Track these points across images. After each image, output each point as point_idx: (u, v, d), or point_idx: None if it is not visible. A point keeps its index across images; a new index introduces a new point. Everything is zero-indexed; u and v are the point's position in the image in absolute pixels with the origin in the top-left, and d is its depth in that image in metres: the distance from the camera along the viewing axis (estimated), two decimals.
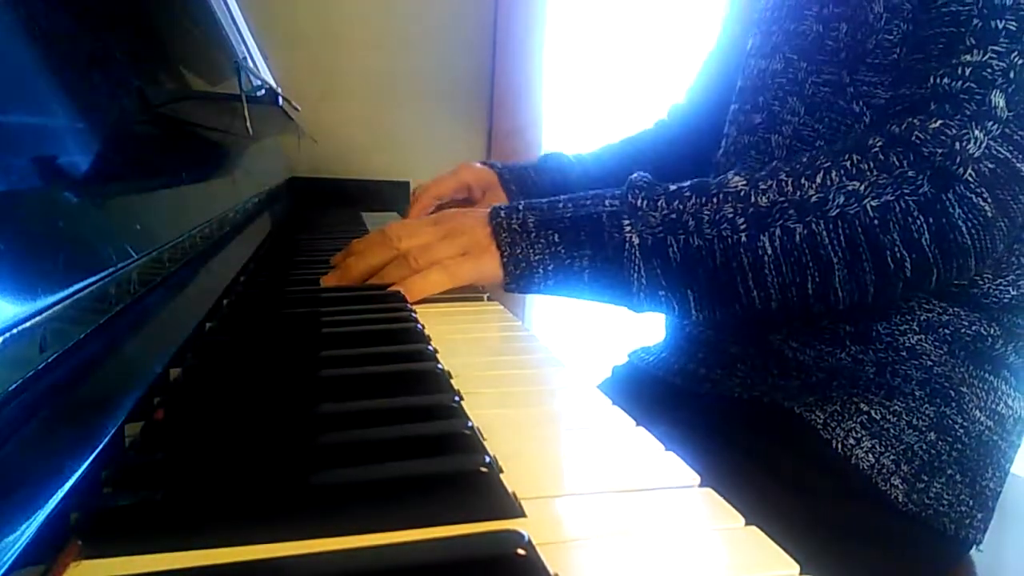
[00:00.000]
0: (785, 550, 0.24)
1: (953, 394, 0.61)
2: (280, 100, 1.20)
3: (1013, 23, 0.53)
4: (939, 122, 0.53)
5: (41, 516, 0.22)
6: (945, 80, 0.54)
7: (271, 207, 1.01)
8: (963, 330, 0.61)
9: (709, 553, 0.24)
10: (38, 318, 0.25)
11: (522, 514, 0.26)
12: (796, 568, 0.23)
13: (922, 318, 0.61)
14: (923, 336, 0.61)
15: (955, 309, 0.61)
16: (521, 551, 0.22)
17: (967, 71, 0.53)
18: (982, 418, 0.61)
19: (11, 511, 0.21)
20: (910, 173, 0.53)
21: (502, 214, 0.60)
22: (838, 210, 0.54)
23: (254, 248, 0.75)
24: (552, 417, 0.38)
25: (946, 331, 0.61)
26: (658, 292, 0.57)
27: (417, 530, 0.24)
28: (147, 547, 0.23)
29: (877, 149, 0.55)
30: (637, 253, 0.57)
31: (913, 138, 0.54)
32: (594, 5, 1.94)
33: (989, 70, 0.53)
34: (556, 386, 0.42)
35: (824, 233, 0.54)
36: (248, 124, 0.84)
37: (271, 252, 0.85)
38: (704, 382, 0.70)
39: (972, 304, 0.61)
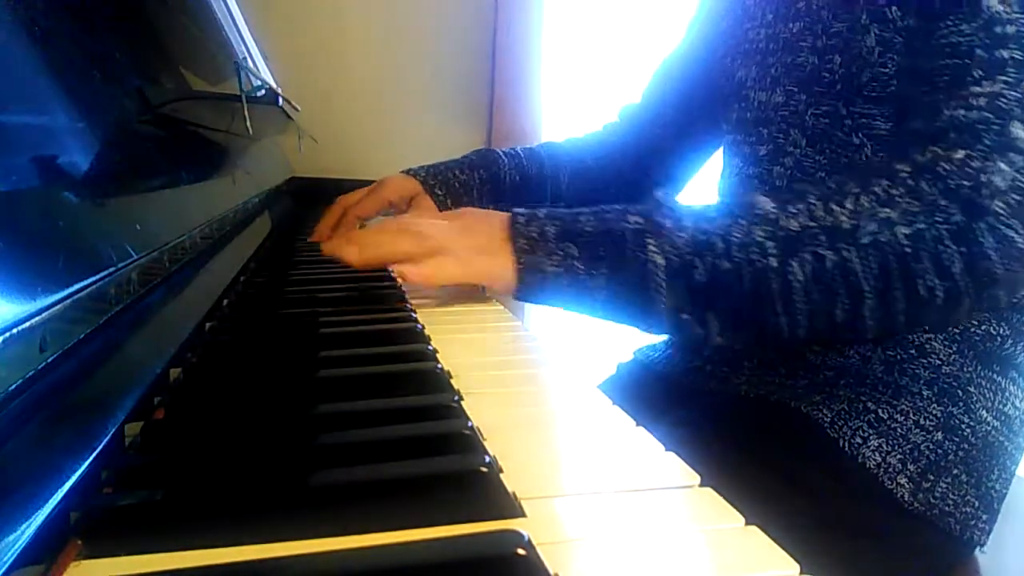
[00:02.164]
0: (788, 548, 0.24)
1: (960, 393, 0.61)
2: (280, 100, 1.20)
3: (1018, 52, 0.52)
4: (962, 153, 0.53)
5: (41, 516, 0.22)
6: (960, 112, 0.54)
7: (271, 207, 1.01)
8: (972, 329, 0.61)
9: (709, 553, 0.24)
10: (38, 318, 0.25)
11: (522, 514, 0.26)
12: (796, 568, 0.23)
13: None
14: (932, 335, 0.61)
15: None
16: (521, 551, 0.22)
17: (981, 101, 0.53)
18: (989, 418, 0.61)
19: (11, 511, 0.21)
20: (942, 202, 0.52)
21: (521, 220, 0.58)
22: (870, 237, 0.53)
23: (254, 248, 0.75)
24: (552, 417, 0.38)
25: (955, 330, 0.61)
26: (680, 315, 0.55)
27: (417, 530, 0.24)
28: (147, 547, 0.23)
29: (906, 175, 0.54)
30: (661, 274, 0.55)
31: (939, 168, 0.53)
32: (593, 7, 1.94)
33: (1004, 100, 0.52)
34: (556, 386, 0.42)
35: (856, 260, 0.53)
36: (248, 124, 0.84)
37: (271, 252, 0.85)
38: (710, 379, 0.71)
39: None
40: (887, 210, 0.53)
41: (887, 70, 0.60)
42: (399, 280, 0.58)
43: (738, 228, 0.55)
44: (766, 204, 0.56)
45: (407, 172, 0.88)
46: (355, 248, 0.59)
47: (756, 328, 0.56)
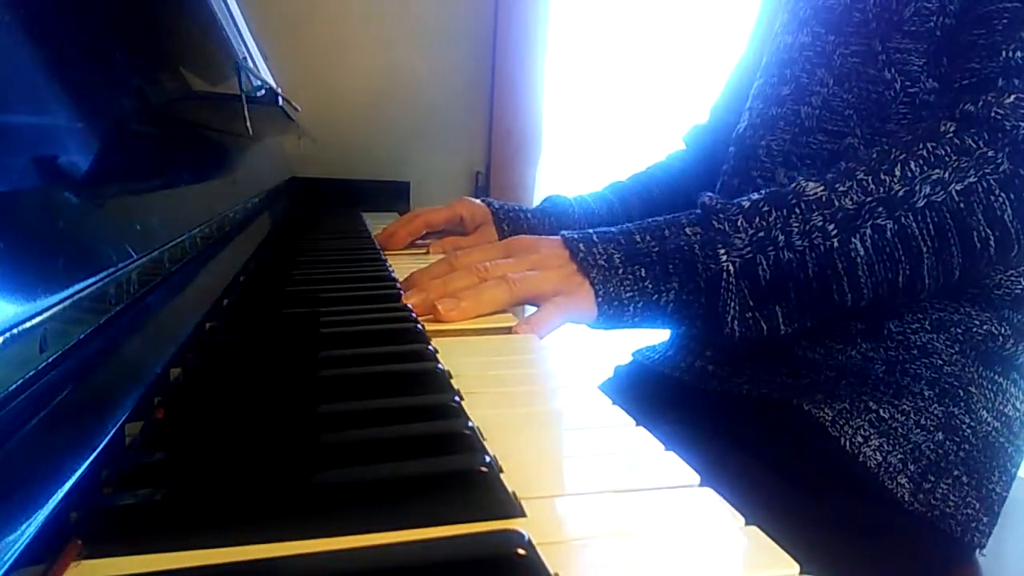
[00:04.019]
0: (789, 547, 0.24)
1: (962, 394, 0.61)
2: (280, 100, 1.20)
3: None
4: (1013, 96, 0.54)
5: (41, 516, 0.22)
6: (1018, 55, 0.55)
7: (271, 207, 1.01)
8: (974, 329, 0.62)
9: (709, 553, 0.24)
10: (38, 318, 0.25)
11: (522, 514, 0.26)
12: (796, 568, 0.23)
13: (934, 316, 0.62)
14: (935, 335, 0.61)
15: (967, 308, 0.62)
16: (521, 551, 0.22)
17: None
18: (989, 419, 0.61)
19: (11, 511, 0.21)
20: (989, 153, 0.54)
21: (582, 248, 0.58)
22: (925, 200, 0.54)
23: (254, 248, 0.75)
24: (552, 417, 0.38)
25: (958, 330, 0.62)
26: (746, 314, 0.56)
27: (417, 530, 0.24)
28: (147, 547, 0.23)
29: (952, 134, 0.55)
30: (733, 280, 0.55)
31: (993, 114, 0.54)
32: (595, 5, 1.94)
33: None
34: (556, 386, 0.42)
35: (914, 225, 0.54)
36: (248, 124, 0.84)
37: (271, 252, 0.85)
38: (712, 379, 0.70)
39: (984, 302, 0.62)
40: (938, 171, 0.54)
41: (930, 5, 0.60)
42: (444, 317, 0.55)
43: (795, 216, 0.56)
44: (815, 187, 0.56)
45: (482, 199, 0.91)
46: (452, 303, 0.55)
47: (821, 311, 0.56)
